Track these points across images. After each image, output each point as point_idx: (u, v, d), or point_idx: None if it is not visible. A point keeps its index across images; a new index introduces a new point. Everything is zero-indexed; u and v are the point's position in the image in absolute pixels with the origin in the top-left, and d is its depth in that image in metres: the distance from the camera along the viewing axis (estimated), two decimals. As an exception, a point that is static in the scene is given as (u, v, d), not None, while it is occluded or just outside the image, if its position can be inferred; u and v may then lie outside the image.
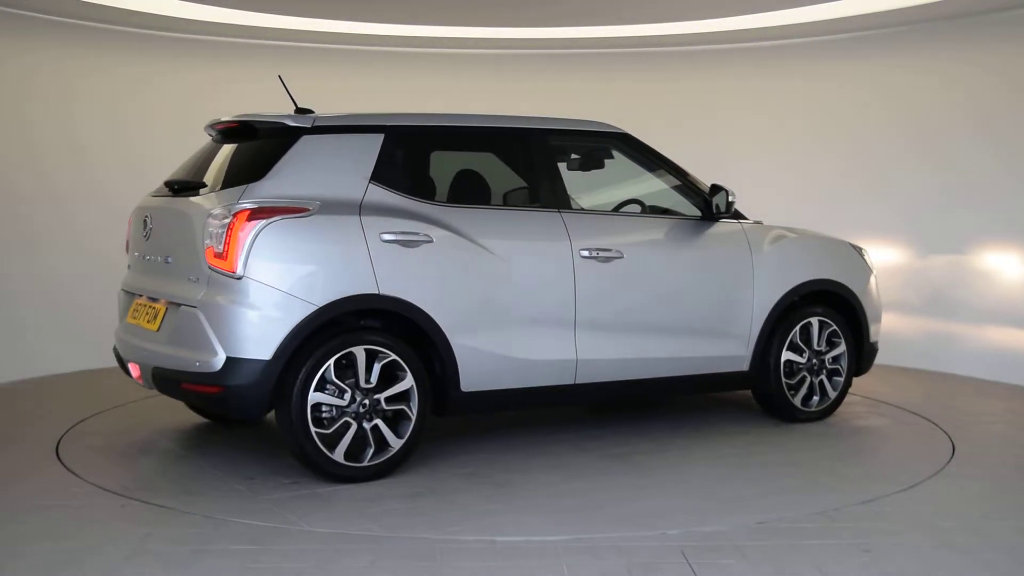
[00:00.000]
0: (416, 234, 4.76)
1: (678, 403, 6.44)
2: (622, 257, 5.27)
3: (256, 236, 4.48)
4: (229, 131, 5.14)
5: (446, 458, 5.13)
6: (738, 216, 5.81)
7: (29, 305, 7.77)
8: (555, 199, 5.24)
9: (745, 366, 5.69)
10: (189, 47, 8.57)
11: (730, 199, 5.58)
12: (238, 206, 4.55)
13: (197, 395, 4.79)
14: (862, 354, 6.06)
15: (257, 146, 4.95)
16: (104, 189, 8.05)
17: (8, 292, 7.66)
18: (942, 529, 4.07)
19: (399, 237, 4.72)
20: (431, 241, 4.80)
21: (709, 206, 5.61)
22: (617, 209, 5.82)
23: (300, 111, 5.16)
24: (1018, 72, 7.63)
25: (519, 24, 8.60)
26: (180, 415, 5.95)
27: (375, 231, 4.67)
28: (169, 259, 4.94)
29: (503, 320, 4.98)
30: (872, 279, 6.20)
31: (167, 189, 5.14)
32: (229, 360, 4.48)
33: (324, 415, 4.60)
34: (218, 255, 4.53)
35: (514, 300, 5.00)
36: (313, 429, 4.53)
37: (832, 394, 5.98)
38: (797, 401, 5.85)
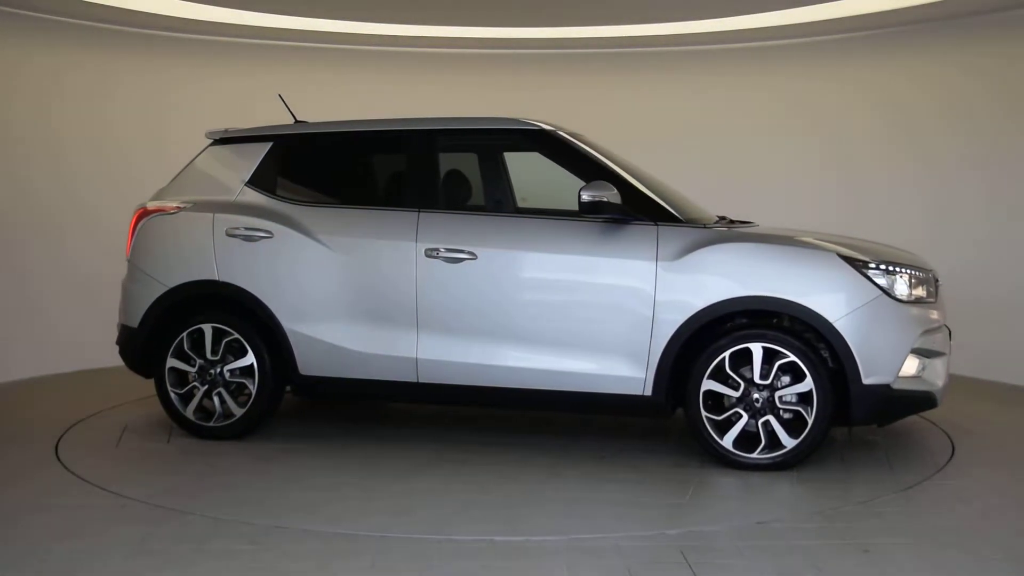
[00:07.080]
0: (258, 230, 5.40)
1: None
2: (475, 259, 5.08)
3: (139, 229, 5.67)
4: None
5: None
6: (674, 218, 4.98)
7: (31, 305, 7.78)
8: (419, 199, 5.28)
9: (645, 390, 4.91)
10: (198, 47, 8.59)
11: (584, 197, 4.84)
12: (141, 205, 5.74)
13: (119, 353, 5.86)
14: (850, 397, 4.74)
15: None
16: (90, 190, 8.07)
17: (10, 291, 7.67)
18: (942, 529, 4.08)
19: (242, 232, 5.41)
20: (271, 236, 5.38)
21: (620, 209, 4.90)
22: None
23: (298, 124, 5.79)
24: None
25: (519, 24, 8.61)
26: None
27: (223, 227, 5.43)
28: None
29: (337, 312, 5.29)
30: (881, 300, 4.76)
31: None
32: (121, 326, 5.77)
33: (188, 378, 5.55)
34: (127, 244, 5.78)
35: (349, 294, 5.27)
36: (171, 389, 5.51)
37: (788, 443, 4.77)
38: (728, 442, 4.85)
